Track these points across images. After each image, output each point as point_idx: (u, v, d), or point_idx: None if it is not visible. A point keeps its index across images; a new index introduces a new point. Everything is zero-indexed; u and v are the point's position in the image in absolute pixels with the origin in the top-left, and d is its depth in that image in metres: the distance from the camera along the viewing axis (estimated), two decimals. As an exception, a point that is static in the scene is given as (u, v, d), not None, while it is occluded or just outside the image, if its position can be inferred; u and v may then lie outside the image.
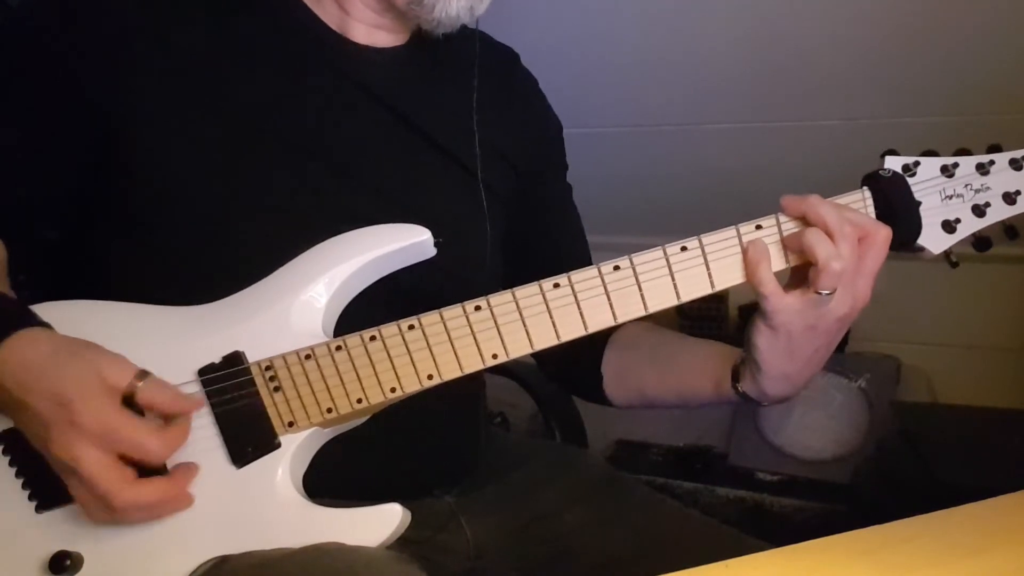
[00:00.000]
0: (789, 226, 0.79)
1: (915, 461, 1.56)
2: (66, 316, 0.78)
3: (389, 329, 0.78)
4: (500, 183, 1.01)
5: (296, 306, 0.79)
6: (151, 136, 0.83)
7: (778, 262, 0.79)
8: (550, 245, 1.10)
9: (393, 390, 0.79)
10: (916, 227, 0.80)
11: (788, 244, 0.78)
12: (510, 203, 1.03)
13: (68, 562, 0.75)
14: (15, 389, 0.72)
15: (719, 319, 2.19)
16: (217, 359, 0.78)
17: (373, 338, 0.78)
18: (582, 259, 1.10)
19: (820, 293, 0.76)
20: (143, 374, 0.74)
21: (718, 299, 2.18)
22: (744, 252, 0.78)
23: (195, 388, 0.78)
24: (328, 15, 0.93)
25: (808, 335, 0.79)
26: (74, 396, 0.70)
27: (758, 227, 0.79)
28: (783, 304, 0.77)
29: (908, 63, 1.66)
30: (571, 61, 1.80)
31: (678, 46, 1.77)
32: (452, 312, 0.78)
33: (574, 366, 1.04)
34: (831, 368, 2.06)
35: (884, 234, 0.77)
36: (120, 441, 0.71)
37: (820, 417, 2.03)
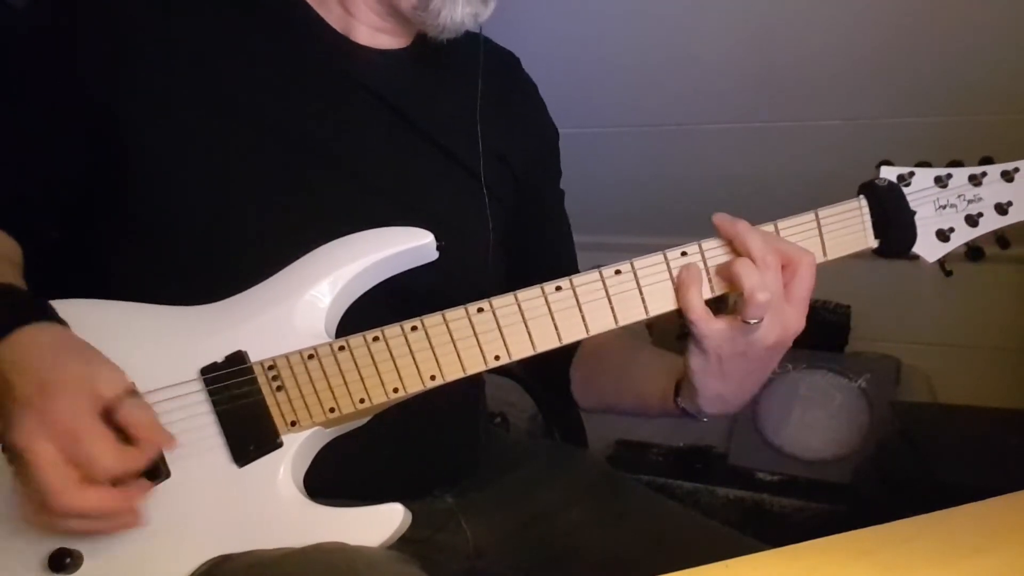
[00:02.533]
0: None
1: (915, 461, 1.56)
2: (69, 314, 0.78)
3: (392, 330, 0.78)
4: (501, 186, 1.01)
5: (299, 306, 0.80)
6: (152, 135, 0.83)
7: (705, 290, 0.79)
8: (541, 250, 1.10)
9: (396, 390, 0.79)
10: (911, 236, 0.82)
11: (718, 272, 0.79)
12: (510, 206, 1.03)
13: (68, 559, 0.75)
14: (6, 368, 0.71)
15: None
16: (220, 358, 0.78)
17: (376, 339, 0.78)
18: (570, 264, 1.12)
19: (747, 322, 0.76)
20: (132, 392, 0.73)
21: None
22: (676, 276, 0.79)
23: (198, 387, 0.78)
24: (332, 16, 0.93)
25: (739, 360, 0.79)
26: (59, 388, 0.69)
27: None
28: (711, 330, 0.78)
29: (908, 63, 1.66)
30: (571, 61, 1.80)
31: (678, 46, 1.77)
32: (455, 314, 0.78)
33: (546, 366, 1.04)
34: (831, 368, 2.06)
35: (808, 261, 0.77)
36: (78, 446, 0.68)
37: (820, 417, 2.03)
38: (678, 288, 0.79)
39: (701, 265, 0.79)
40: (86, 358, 0.73)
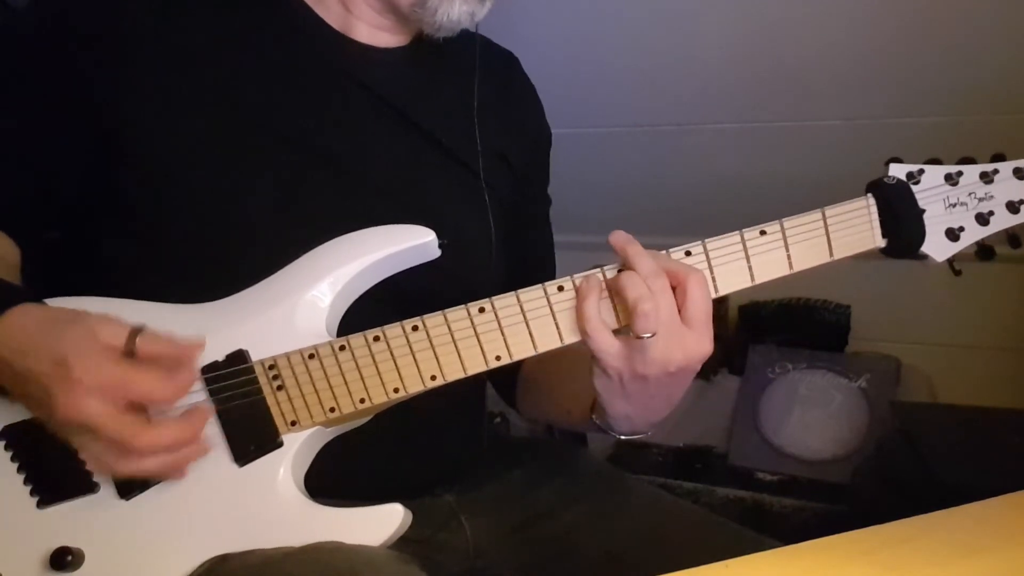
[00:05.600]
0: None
1: (915, 461, 1.56)
2: None
3: (393, 330, 0.78)
4: (500, 185, 1.01)
5: (300, 306, 0.80)
6: (152, 134, 0.83)
7: (611, 319, 0.78)
8: (525, 254, 1.09)
9: (396, 390, 0.79)
10: (920, 235, 0.80)
11: (610, 287, 0.78)
12: (510, 205, 1.03)
13: (69, 558, 0.75)
14: (14, 359, 0.72)
15: (719, 319, 2.19)
16: (220, 357, 0.78)
17: (377, 338, 0.78)
18: (550, 273, 1.09)
19: (640, 337, 0.75)
20: (138, 329, 0.73)
21: (719, 300, 2.18)
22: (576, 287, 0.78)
23: (198, 386, 0.78)
24: (330, 14, 0.93)
25: (640, 383, 0.78)
26: (72, 355, 0.70)
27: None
28: (605, 345, 0.77)
29: (908, 63, 1.66)
30: (571, 61, 1.80)
31: (678, 46, 1.77)
32: (456, 314, 0.78)
33: (497, 376, 1.05)
34: (831, 368, 2.06)
35: (696, 278, 0.76)
36: (128, 390, 0.71)
37: (820, 417, 2.03)
38: (576, 299, 0.78)
39: (602, 277, 0.78)
40: (78, 320, 0.73)
